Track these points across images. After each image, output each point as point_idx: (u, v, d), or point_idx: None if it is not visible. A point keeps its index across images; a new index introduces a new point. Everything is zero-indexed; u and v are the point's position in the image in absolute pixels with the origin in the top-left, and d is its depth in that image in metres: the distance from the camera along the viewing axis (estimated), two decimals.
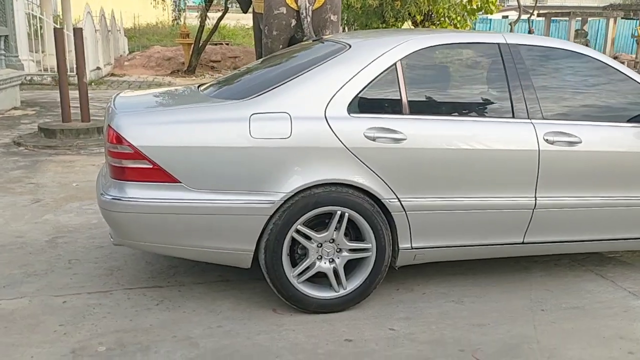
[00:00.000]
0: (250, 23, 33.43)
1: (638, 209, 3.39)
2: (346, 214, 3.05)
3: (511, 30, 17.73)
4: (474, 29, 17.47)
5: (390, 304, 3.29)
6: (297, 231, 3.04)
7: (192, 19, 25.42)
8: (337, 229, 3.08)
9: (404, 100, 3.13)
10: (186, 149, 2.94)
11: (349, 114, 3.06)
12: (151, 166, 2.92)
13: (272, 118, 2.98)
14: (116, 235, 3.12)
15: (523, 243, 3.34)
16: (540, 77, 3.33)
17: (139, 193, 2.94)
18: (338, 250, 3.14)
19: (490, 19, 23.95)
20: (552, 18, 21.71)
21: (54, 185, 5.55)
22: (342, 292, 3.15)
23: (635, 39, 22.40)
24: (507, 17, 29.64)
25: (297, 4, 7.63)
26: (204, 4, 17.07)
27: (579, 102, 3.43)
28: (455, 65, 3.39)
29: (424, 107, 3.21)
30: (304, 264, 3.10)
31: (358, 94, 3.09)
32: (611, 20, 21.25)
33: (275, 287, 3.09)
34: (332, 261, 3.14)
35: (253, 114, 2.98)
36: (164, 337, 2.93)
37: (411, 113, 3.14)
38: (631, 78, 3.42)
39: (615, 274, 3.75)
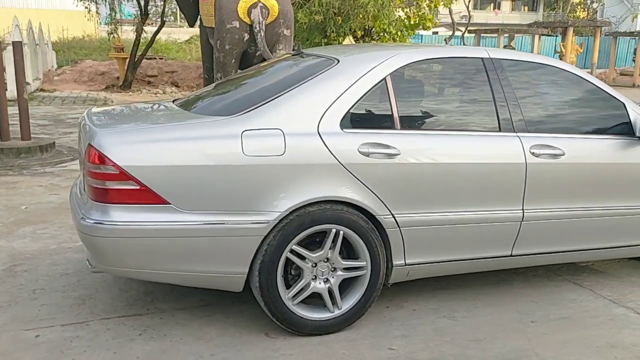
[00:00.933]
0: (183, 37, 32.77)
1: (617, 218, 3.49)
2: (341, 232, 2.98)
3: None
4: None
5: (383, 322, 3.23)
6: (292, 251, 2.94)
7: (124, 33, 24.74)
8: (332, 247, 3.00)
9: (395, 114, 3.10)
10: (175, 169, 2.78)
11: (341, 129, 2.99)
12: (138, 187, 2.75)
13: (264, 134, 2.88)
14: (98, 262, 2.91)
15: (511, 256, 3.36)
16: (522, 90, 3.37)
17: (124, 216, 2.76)
18: (332, 269, 3.05)
19: (422, 35, 24.59)
20: (482, 35, 22.56)
21: (1, 209, 5.18)
22: (337, 312, 3.07)
23: (557, 54, 23.54)
24: (437, 33, 30.54)
25: (250, 18, 7.55)
26: (139, 17, 16.62)
27: (559, 115, 3.50)
28: (442, 79, 3.39)
29: (414, 122, 3.19)
30: (299, 284, 3.00)
31: (350, 109, 3.03)
32: (536, 37, 22.29)
33: (270, 310, 2.96)
34: (326, 281, 3.05)
35: (245, 131, 2.86)
36: None
37: (402, 128, 3.10)
38: (605, 91, 3.53)
39: (592, 282, 3.84)
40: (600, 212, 3.44)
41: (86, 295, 3.52)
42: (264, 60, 8.12)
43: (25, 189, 5.92)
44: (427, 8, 14.62)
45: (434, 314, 3.34)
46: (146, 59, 18.76)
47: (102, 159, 2.74)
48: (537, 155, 3.25)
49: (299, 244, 2.95)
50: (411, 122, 3.16)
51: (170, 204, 2.77)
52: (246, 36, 7.70)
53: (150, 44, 17.45)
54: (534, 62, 3.52)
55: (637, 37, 25.45)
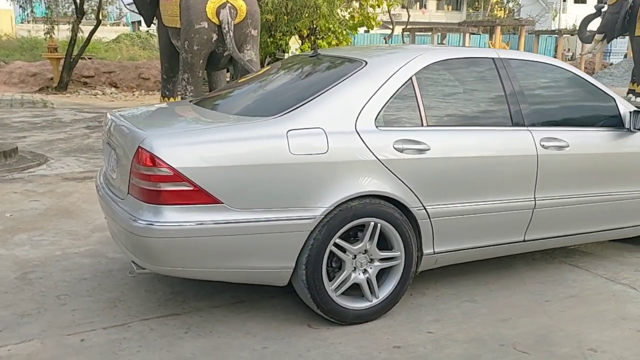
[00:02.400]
0: (110, 36, 31.67)
1: (613, 203, 3.82)
2: (379, 225, 3.14)
3: (386, 43, 18.71)
4: (354, 43, 18.21)
5: (413, 309, 3.42)
6: (335, 244, 3.08)
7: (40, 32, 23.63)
8: (370, 240, 3.16)
9: (422, 112, 3.29)
10: (227, 169, 2.86)
11: (376, 127, 3.15)
12: (192, 188, 2.81)
13: (308, 134, 3.00)
14: (150, 263, 2.94)
15: (524, 241, 3.63)
16: (528, 87, 3.64)
17: (178, 216, 2.81)
18: (370, 260, 3.21)
19: (364, 34, 24.99)
20: (416, 33, 23.27)
21: None
22: (375, 301, 3.23)
23: None
24: (368, 31, 31.09)
25: (218, 18, 7.56)
26: (75, 16, 16.11)
27: (561, 109, 3.80)
28: (461, 78, 3.60)
29: (440, 118, 3.38)
30: (342, 276, 3.14)
31: (382, 107, 3.19)
32: (467, 35, 23.24)
33: (315, 302, 3.09)
34: (365, 272, 3.20)
35: (290, 130, 2.97)
36: None
37: (429, 125, 3.30)
38: (598, 88, 3.87)
39: (585, 263, 4.18)
40: (598, 198, 3.76)
41: (114, 298, 3.52)
42: (231, 60, 8.16)
43: (0, 197, 5.73)
44: (371, 8, 14.95)
45: (456, 299, 3.56)
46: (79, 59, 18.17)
47: (155, 161, 2.78)
48: (546, 148, 3.53)
49: (341, 237, 3.09)
50: (437, 119, 3.36)
51: (223, 203, 2.85)
52: (214, 37, 7.70)
53: (86, 43, 16.94)
54: (536, 61, 3.81)
55: (557, 35, 26.93)
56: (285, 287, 3.44)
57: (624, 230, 4.00)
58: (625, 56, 23.86)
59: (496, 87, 3.55)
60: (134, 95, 16.31)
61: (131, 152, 2.93)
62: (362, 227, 3.15)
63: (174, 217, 2.82)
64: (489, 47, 24.24)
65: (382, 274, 3.28)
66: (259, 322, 3.24)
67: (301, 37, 14.96)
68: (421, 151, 3.20)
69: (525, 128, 3.53)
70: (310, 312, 3.27)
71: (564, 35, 26.05)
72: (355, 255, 3.16)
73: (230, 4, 7.57)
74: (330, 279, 3.14)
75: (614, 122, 3.85)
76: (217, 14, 7.56)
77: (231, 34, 7.57)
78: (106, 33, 31.19)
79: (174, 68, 9.54)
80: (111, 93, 16.73)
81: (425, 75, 3.37)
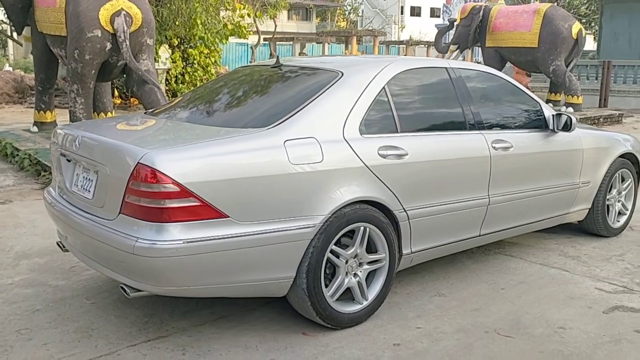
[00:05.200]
0: None
1: (546, 196, 4.27)
2: (367, 229, 3.25)
3: (252, 53, 18.82)
4: (224, 52, 18.08)
5: (392, 308, 3.56)
6: (331, 251, 3.14)
7: None
8: (360, 244, 3.25)
9: (396, 119, 3.46)
10: (232, 182, 2.82)
11: (361, 135, 3.27)
12: (199, 203, 2.73)
13: (304, 143, 3.04)
14: (151, 284, 2.79)
15: (480, 235, 3.93)
16: (476, 94, 3.96)
17: (185, 233, 2.72)
18: (359, 264, 3.31)
19: (233, 43, 24.79)
20: (277, 43, 23.61)
21: None
22: (365, 303, 3.33)
23: None
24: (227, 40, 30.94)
25: (113, 26, 7.20)
26: None
27: (503, 114, 4.16)
28: (422, 86, 3.80)
29: (411, 125, 3.56)
30: (337, 282, 3.20)
31: (364, 115, 3.32)
32: (326, 45, 24.09)
33: (315, 310, 3.12)
34: (355, 275, 3.29)
35: (287, 141, 2.99)
36: None
37: (402, 131, 3.48)
38: (528, 95, 4.30)
39: (517, 252, 4.61)
40: (535, 192, 4.18)
41: (84, 327, 3.27)
42: (124, 70, 7.77)
43: None
44: (243, 17, 14.96)
45: (426, 295, 3.77)
46: None
47: (159, 177, 2.67)
48: (496, 149, 3.86)
49: (335, 244, 3.16)
50: (408, 125, 3.53)
51: (229, 217, 2.80)
52: (108, 45, 7.31)
53: None
54: (479, 70, 4.16)
55: (405, 45, 28.82)
56: (262, 299, 3.46)
57: (553, 219, 4.48)
58: None
59: (452, 95, 3.82)
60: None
61: (125, 169, 2.76)
62: (350, 233, 3.24)
63: (180, 234, 2.71)
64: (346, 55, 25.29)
65: (369, 277, 3.39)
66: (253, 335, 3.20)
67: (171, 46, 14.58)
68: (400, 156, 3.36)
69: (479, 132, 3.84)
70: (299, 321, 3.29)
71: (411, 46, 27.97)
72: (347, 260, 3.24)
73: (126, 11, 7.23)
74: (325, 285, 3.19)
75: (541, 124, 4.30)
76: (112, 21, 7.17)
77: (127, 42, 7.23)
78: None
79: (50, 79, 8.90)
80: None
81: (394, 83, 3.54)
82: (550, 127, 4.30)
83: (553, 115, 4.31)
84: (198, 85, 15.05)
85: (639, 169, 5.17)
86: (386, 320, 3.40)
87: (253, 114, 3.29)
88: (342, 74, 3.42)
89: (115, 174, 2.85)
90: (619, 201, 5.04)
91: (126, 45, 7.22)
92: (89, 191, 3.07)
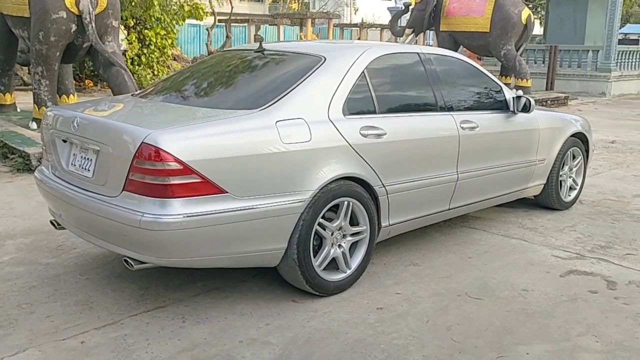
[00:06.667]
0: None
1: (507, 172, 4.62)
2: (351, 204, 3.52)
3: (209, 35, 18.70)
4: (181, 33, 17.92)
5: (371, 277, 3.84)
6: (319, 224, 3.38)
7: None
8: (344, 217, 3.52)
9: (375, 101, 3.72)
10: (230, 160, 3.03)
11: (344, 115, 3.51)
12: (200, 180, 2.93)
13: (293, 124, 3.26)
14: (156, 256, 2.99)
15: (449, 209, 4.25)
16: (444, 77, 4.25)
17: (188, 208, 2.92)
18: (342, 236, 3.57)
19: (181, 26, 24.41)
20: (232, 24, 23.47)
21: None
22: (348, 272, 3.60)
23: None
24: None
25: (78, 8, 7.20)
26: None
27: (469, 96, 4.47)
28: (397, 70, 4.06)
29: (388, 106, 3.82)
30: (324, 252, 3.46)
31: (346, 97, 3.56)
32: (281, 27, 24.10)
33: (305, 278, 3.37)
34: (340, 246, 3.55)
35: (278, 121, 3.21)
36: (232, 344, 2.99)
37: (380, 112, 3.74)
38: (490, 78, 4.63)
39: (480, 225, 4.96)
40: (497, 169, 4.53)
41: (83, 300, 3.44)
42: (89, 52, 7.75)
43: None
44: None
45: (401, 265, 4.07)
46: None
47: (163, 156, 2.85)
48: (464, 129, 4.17)
49: (322, 217, 3.41)
50: (385, 107, 3.80)
51: (227, 192, 3.01)
52: (73, 27, 7.29)
53: None
54: (447, 55, 4.45)
55: (358, 28, 29.06)
56: (251, 271, 3.70)
57: (513, 194, 4.85)
58: None
59: (424, 78, 4.10)
60: None
61: (129, 149, 2.93)
62: (334, 208, 3.49)
63: (183, 209, 2.91)
64: (301, 38, 25.35)
65: (351, 248, 3.66)
66: (246, 304, 3.43)
67: (127, 27, 14.42)
68: (379, 136, 3.63)
69: (448, 113, 4.14)
70: (288, 290, 3.54)
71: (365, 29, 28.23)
72: (332, 232, 3.49)
73: None
74: (313, 256, 3.43)
75: (503, 105, 4.64)
76: (77, 3, 7.14)
77: (93, 24, 7.23)
78: None
79: (10, 61, 8.78)
80: None
81: (372, 68, 3.79)
82: (511, 108, 4.64)
83: (513, 97, 4.66)
84: (155, 67, 14.98)
85: (588, 147, 5.60)
86: (367, 287, 3.69)
87: (244, 96, 3.48)
88: (325, 59, 3.64)
89: (118, 153, 3.01)
90: (570, 177, 5.46)
91: (92, 27, 7.23)
92: (89, 170, 3.22)
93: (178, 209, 2.90)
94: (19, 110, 9.23)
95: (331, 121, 3.43)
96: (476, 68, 4.58)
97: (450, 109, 4.17)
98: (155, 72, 14.88)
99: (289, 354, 2.92)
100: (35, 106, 7.71)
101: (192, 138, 2.98)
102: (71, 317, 3.24)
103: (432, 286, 3.74)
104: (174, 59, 17.40)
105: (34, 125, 7.68)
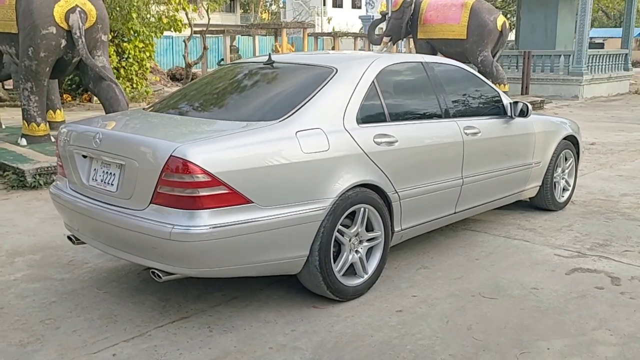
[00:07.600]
0: None
1: (508, 175, 4.77)
2: (367, 210, 3.61)
3: (186, 47, 18.68)
4: (158, 46, 17.87)
5: (386, 281, 3.93)
6: (337, 230, 3.47)
7: None
8: (361, 223, 3.61)
9: (385, 109, 3.83)
10: (255, 170, 3.10)
11: (357, 124, 3.61)
12: (227, 191, 2.99)
13: (312, 134, 3.35)
14: (186, 267, 3.04)
15: (455, 212, 4.38)
16: (447, 85, 4.38)
17: (216, 219, 2.98)
18: (359, 242, 3.66)
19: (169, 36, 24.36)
20: (207, 35, 23.45)
21: None
22: (365, 277, 3.69)
23: (274, 52, 25.85)
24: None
25: (68, 23, 7.19)
26: None
27: (470, 102, 4.61)
28: (404, 79, 4.19)
29: (397, 115, 3.93)
30: (343, 258, 3.54)
31: (359, 107, 3.66)
32: (256, 37, 24.20)
33: (327, 284, 3.44)
34: (357, 252, 3.64)
35: (298, 131, 3.29)
36: (262, 351, 3.05)
37: (391, 120, 3.85)
38: (488, 85, 4.78)
39: (481, 227, 5.10)
40: (498, 172, 4.67)
41: (107, 314, 3.46)
42: (78, 67, 7.73)
43: None
44: (178, 11, 14.89)
45: (412, 268, 4.17)
46: None
47: (191, 169, 2.91)
48: (467, 134, 4.31)
49: (340, 224, 3.49)
50: (395, 115, 3.91)
51: (253, 202, 3.08)
52: (63, 42, 7.27)
53: None
54: (447, 63, 4.58)
55: (332, 37, 29.31)
56: (266, 280, 3.77)
57: (512, 196, 5.00)
58: None
59: (428, 86, 4.23)
60: None
61: (157, 163, 2.99)
62: (350, 215, 3.58)
63: (211, 220, 2.97)
64: (276, 47, 25.51)
65: (367, 253, 3.75)
66: (269, 311, 3.49)
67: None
68: (391, 143, 3.74)
69: (452, 119, 4.27)
70: (306, 296, 3.62)
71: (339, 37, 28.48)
72: (350, 239, 3.58)
73: (80, 7, 7.20)
74: (332, 262, 3.51)
75: (501, 111, 4.79)
76: (67, 18, 7.14)
77: (83, 39, 7.22)
78: None
79: None
80: None
81: (381, 77, 3.90)
82: (509, 113, 4.79)
83: (510, 103, 4.81)
84: (134, 80, 14.91)
85: (578, 149, 5.79)
86: (384, 291, 3.78)
87: (263, 108, 3.56)
88: (337, 70, 3.74)
89: (145, 167, 3.06)
90: (563, 178, 5.64)
91: (82, 41, 7.22)
92: (112, 184, 3.26)
93: (207, 220, 2.96)
94: (3, 127, 9.15)
95: (347, 130, 3.53)
96: (475, 76, 4.73)
97: (453, 115, 4.30)
98: (135, 85, 14.83)
99: (320, 358, 2.99)
100: (25, 122, 7.66)
101: (219, 150, 3.05)
102: (97, 330, 3.26)
103: (445, 287, 3.84)
104: (151, 72, 17.36)
105: (23, 141, 7.62)
